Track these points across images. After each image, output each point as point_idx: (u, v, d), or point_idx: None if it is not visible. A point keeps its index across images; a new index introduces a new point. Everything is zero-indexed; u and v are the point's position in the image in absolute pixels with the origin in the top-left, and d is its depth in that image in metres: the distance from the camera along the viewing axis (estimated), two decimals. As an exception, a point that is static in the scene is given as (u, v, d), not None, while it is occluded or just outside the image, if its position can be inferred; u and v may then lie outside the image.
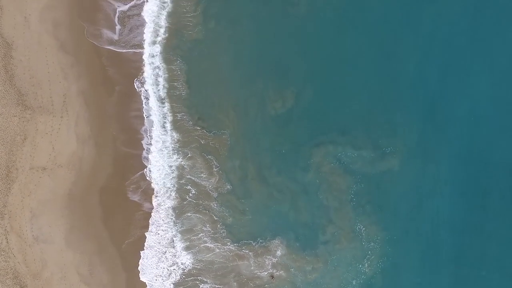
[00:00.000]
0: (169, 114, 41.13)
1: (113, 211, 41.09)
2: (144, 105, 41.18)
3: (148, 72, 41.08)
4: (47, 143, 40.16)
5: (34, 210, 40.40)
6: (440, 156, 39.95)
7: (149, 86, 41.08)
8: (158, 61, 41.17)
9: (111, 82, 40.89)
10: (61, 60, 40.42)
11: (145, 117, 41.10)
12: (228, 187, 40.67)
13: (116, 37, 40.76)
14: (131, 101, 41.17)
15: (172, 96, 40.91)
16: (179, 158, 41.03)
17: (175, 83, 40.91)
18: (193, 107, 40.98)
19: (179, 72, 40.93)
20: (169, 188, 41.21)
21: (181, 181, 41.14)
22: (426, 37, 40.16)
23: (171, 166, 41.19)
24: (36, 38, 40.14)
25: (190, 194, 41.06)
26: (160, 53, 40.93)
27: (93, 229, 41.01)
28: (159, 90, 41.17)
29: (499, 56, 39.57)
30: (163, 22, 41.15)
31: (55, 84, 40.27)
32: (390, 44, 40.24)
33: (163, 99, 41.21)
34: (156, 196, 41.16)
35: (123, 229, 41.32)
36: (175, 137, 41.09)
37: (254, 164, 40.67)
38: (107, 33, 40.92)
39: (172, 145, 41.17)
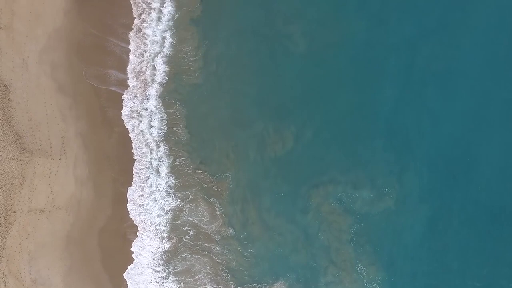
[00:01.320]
0: (165, 158, 40.87)
1: (112, 253, 40.78)
2: (137, 148, 40.99)
3: (143, 115, 40.98)
4: (45, 185, 39.89)
5: (32, 253, 40.01)
6: (437, 197, 39.93)
7: (145, 129, 40.92)
8: (153, 104, 40.99)
9: (110, 123, 40.78)
10: (60, 102, 40.30)
11: (137, 159, 40.81)
12: (231, 231, 40.43)
13: (115, 78, 40.83)
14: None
15: (170, 140, 40.77)
16: (174, 201, 40.67)
17: (175, 128, 40.78)
18: (194, 151, 40.83)
19: (178, 116, 40.83)
20: (162, 230, 40.80)
21: (176, 222, 40.80)
22: (424, 80, 40.21)
23: (164, 209, 40.80)
24: (34, 80, 40.02)
25: (187, 236, 40.76)
26: (159, 97, 40.82)
27: (92, 271, 40.64)
28: (152, 134, 40.93)
29: (494, 95, 39.70)
30: (161, 67, 41.18)
31: (53, 126, 40.08)
32: (391, 86, 40.32)
33: (158, 142, 40.96)
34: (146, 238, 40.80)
35: (122, 271, 40.96)
36: (171, 181, 40.74)
37: (255, 207, 40.47)
38: (106, 73, 40.85)
39: (167, 189, 40.79)
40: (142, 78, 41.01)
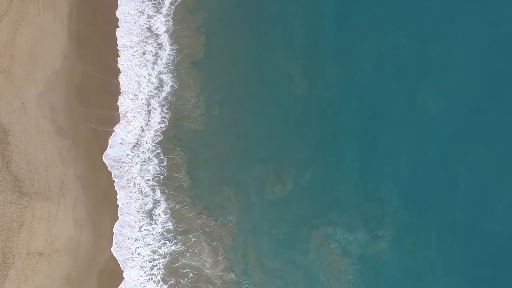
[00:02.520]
0: (164, 202, 40.87)
1: (111, 295, 40.82)
2: (132, 192, 41.05)
3: (137, 160, 41.06)
4: (44, 228, 39.87)
5: (31, 296, 39.98)
6: (431, 238, 40.53)
7: (138, 177, 40.93)
8: (149, 150, 41.01)
9: (109, 165, 41.03)
10: (59, 145, 40.38)
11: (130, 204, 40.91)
12: (233, 276, 40.55)
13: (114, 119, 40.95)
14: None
15: (170, 185, 40.76)
16: (174, 245, 40.65)
17: (175, 173, 40.80)
18: (197, 197, 40.86)
19: (179, 161, 40.89)
20: (156, 273, 40.77)
21: (175, 265, 40.84)
22: (424, 121, 40.98)
23: (161, 253, 40.81)
24: (33, 123, 40.11)
25: (187, 279, 40.78)
26: (157, 143, 40.95)
27: (90, 314, 40.66)
28: (147, 179, 40.94)
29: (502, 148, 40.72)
30: (160, 112, 41.28)
31: (52, 169, 40.14)
32: (388, 127, 40.96)
33: (154, 187, 40.99)
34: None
35: (121, 312, 41.02)
36: (170, 225, 40.71)
37: (255, 251, 40.59)
38: (105, 115, 41.01)
39: (163, 232, 40.69)
40: (138, 123, 41.03)
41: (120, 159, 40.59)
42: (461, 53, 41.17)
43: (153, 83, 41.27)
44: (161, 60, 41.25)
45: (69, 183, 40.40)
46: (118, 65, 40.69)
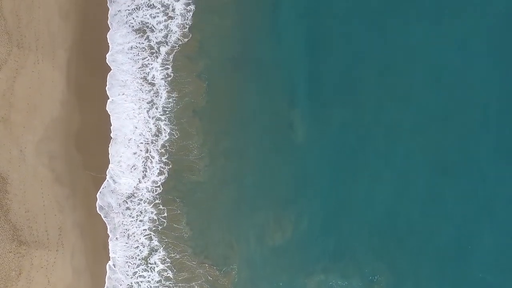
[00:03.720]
0: (163, 251, 41.01)
1: None
2: (128, 243, 41.16)
3: (131, 213, 41.11)
4: (42, 276, 40.02)
5: None
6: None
7: (134, 228, 41.02)
8: (147, 202, 41.10)
9: (107, 212, 41.17)
10: (57, 193, 40.44)
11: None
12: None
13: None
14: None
15: (170, 235, 40.99)
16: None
17: (175, 224, 40.99)
18: (198, 247, 41.13)
19: (179, 212, 41.09)
20: None
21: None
22: (419, 172, 41.47)
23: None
24: (31, 171, 40.09)
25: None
26: (157, 194, 41.07)
27: None
28: (144, 230, 41.02)
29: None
30: (158, 164, 41.30)
31: (50, 217, 40.22)
32: (383, 177, 41.54)
33: (150, 235, 41.11)
34: None
35: None
36: (170, 274, 41.02)
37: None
38: (104, 162, 41.02)
39: (162, 281, 40.93)
40: (136, 174, 41.07)
41: (114, 209, 40.64)
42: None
43: (152, 132, 41.15)
44: (160, 108, 41.10)
45: (68, 231, 40.53)
46: (111, 114, 40.48)
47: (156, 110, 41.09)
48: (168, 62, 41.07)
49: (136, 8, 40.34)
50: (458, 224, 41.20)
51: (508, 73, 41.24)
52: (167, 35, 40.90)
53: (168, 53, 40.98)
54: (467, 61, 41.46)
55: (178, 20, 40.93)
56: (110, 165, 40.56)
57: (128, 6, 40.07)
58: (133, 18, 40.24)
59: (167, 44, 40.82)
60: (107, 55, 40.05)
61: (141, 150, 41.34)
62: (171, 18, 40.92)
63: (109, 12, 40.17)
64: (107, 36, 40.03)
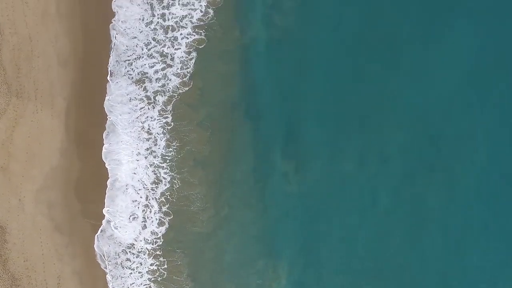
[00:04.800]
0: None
1: None
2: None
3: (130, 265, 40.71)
4: (41, 321, 40.10)
5: None
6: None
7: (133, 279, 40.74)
8: (147, 253, 40.64)
9: (106, 261, 40.91)
10: (56, 241, 40.23)
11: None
12: None
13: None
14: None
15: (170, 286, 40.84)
16: None
17: (175, 276, 40.59)
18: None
19: (179, 263, 40.63)
20: None
21: None
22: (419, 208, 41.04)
23: None
24: (30, 220, 39.90)
25: None
26: (157, 246, 40.64)
27: None
28: (144, 279, 40.68)
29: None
30: (158, 214, 40.83)
31: (49, 266, 40.10)
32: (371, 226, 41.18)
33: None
34: None
35: None
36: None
37: None
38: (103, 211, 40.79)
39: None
40: (135, 225, 40.66)
41: (112, 260, 40.38)
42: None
43: (151, 181, 40.61)
44: (159, 158, 40.50)
45: (67, 280, 40.41)
46: (107, 162, 39.98)
47: (155, 159, 40.48)
48: (168, 111, 40.32)
49: (137, 58, 39.54)
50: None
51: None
52: (166, 84, 40.13)
53: (167, 102, 40.25)
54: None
55: (178, 68, 40.12)
56: (107, 214, 40.21)
57: (129, 56, 39.28)
58: (132, 69, 39.46)
59: (164, 93, 40.03)
60: (104, 104, 39.41)
61: (141, 197, 40.91)
62: (170, 66, 40.11)
63: (109, 60, 39.45)
64: (107, 86, 39.36)
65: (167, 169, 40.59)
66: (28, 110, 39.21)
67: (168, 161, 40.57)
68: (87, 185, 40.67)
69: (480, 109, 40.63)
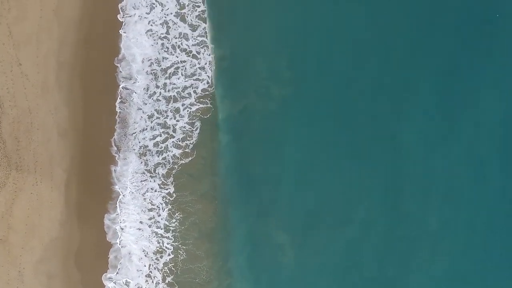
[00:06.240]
0: None
1: None
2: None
3: None
4: None
5: None
6: None
7: None
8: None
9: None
10: (56, 304, 39.84)
11: None
12: None
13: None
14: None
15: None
16: None
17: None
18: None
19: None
20: None
21: None
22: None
23: None
24: (30, 292, 39.49)
25: None
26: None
27: None
28: None
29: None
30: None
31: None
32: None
33: None
34: None
35: None
36: None
37: None
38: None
39: None
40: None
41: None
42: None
43: (156, 253, 39.89)
44: (162, 229, 39.78)
45: None
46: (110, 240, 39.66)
47: (159, 230, 39.81)
48: (167, 184, 39.46)
49: (140, 131, 38.73)
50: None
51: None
52: (168, 156, 39.22)
53: (168, 174, 39.45)
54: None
55: (180, 139, 39.17)
56: (108, 283, 39.68)
57: (134, 129, 38.54)
58: (135, 143, 38.72)
59: (165, 166, 39.25)
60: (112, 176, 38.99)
61: (144, 266, 40.23)
62: (172, 137, 39.20)
63: (114, 134, 38.75)
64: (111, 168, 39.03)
65: (172, 240, 39.89)
66: (28, 182, 38.54)
67: (171, 231, 39.84)
68: (87, 255, 40.06)
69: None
